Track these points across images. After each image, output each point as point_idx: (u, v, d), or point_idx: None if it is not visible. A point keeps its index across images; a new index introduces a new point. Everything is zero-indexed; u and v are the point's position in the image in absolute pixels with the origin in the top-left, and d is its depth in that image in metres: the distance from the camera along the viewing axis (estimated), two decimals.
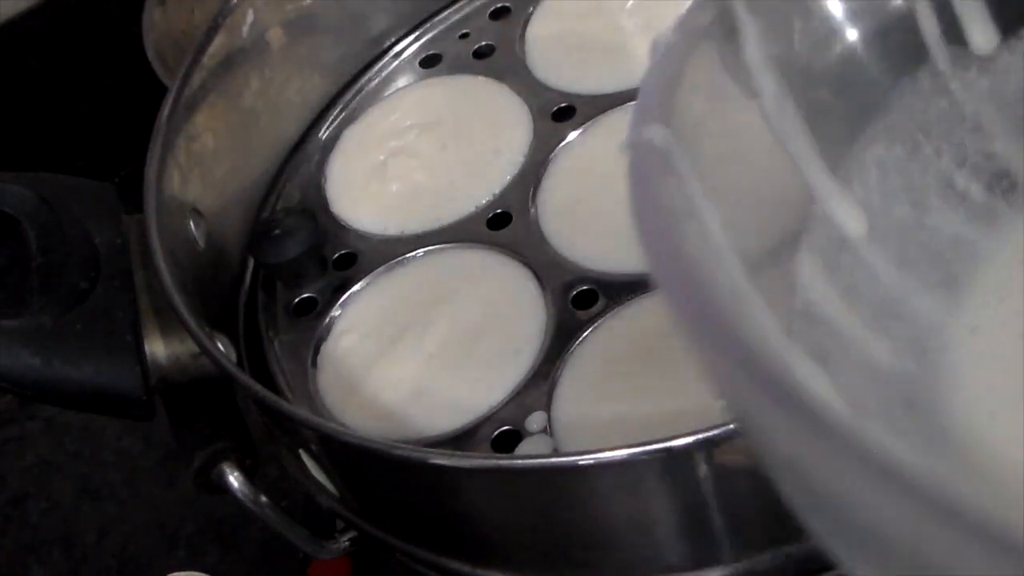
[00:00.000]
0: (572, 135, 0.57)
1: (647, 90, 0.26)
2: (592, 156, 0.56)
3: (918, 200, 0.32)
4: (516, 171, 0.56)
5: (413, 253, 0.55)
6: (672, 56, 0.27)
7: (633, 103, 0.59)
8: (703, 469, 0.39)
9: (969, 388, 0.29)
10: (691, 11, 0.28)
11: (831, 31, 0.31)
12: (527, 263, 0.52)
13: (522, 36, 0.63)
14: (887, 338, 0.29)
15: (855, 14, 0.32)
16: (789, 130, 0.29)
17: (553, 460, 0.41)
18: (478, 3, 0.66)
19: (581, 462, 0.39)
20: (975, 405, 0.29)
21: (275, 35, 0.61)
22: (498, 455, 0.46)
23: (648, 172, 0.23)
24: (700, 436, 0.37)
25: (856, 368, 0.28)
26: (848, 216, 0.30)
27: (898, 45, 0.32)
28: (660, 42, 0.27)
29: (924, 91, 0.32)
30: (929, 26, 0.32)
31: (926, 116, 0.32)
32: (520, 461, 0.43)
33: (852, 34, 0.32)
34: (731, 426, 0.37)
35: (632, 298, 0.49)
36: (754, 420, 0.21)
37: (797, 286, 0.29)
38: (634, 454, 0.38)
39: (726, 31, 0.28)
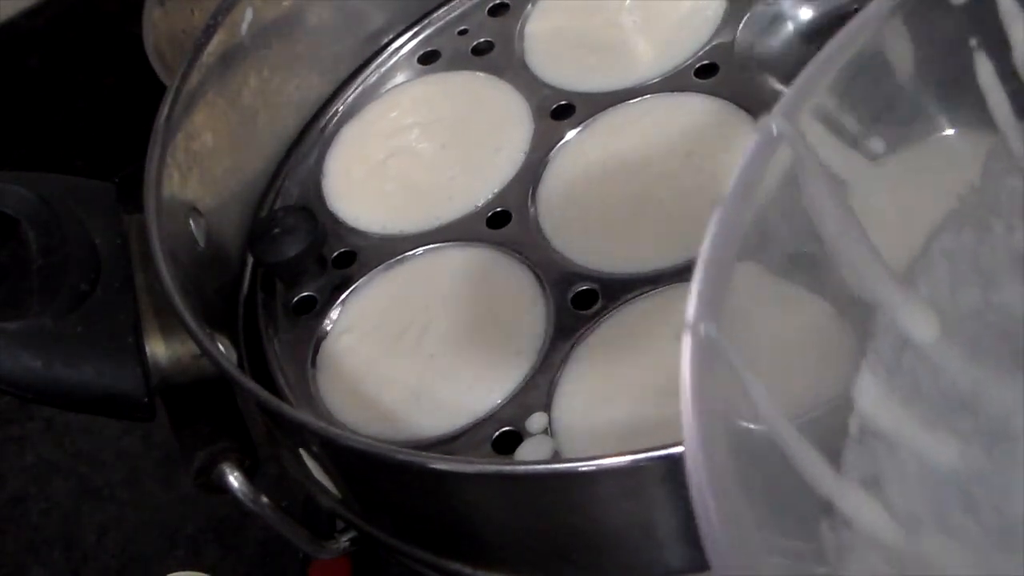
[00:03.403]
0: (571, 133, 0.57)
1: (701, 291, 0.28)
2: (591, 154, 0.56)
3: (988, 282, 0.31)
4: (516, 169, 0.56)
5: (412, 252, 0.55)
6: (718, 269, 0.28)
7: (631, 100, 0.58)
8: None
9: None
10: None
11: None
12: (527, 262, 0.52)
13: (521, 33, 0.63)
14: (952, 436, 0.29)
15: None
16: (855, 248, 0.29)
17: (554, 466, 0.41)
18: None
19: (582, 468, 0.39)
20: None
21: (273, 33, 0.61)
22: (499, 460, 0.46)
23: (701, 360, 0.26)
24: None
25: (913, 480, 0.28)
26: (918, 321, 0.30)
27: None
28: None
29: (995, 172, 0.32)
30: (1001, 107, 0.31)
31: (998, 197, 0.32)
32: (521, 467, 0.43)
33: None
34: None
35: (632, 298, 0.49)
36: None
37: (854, 411, 0.29)
38: (636, 460, 0.38)
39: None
